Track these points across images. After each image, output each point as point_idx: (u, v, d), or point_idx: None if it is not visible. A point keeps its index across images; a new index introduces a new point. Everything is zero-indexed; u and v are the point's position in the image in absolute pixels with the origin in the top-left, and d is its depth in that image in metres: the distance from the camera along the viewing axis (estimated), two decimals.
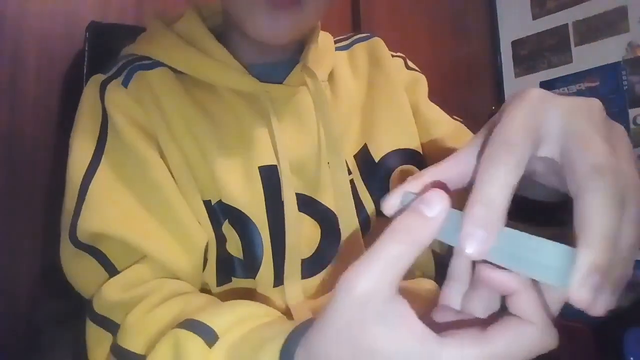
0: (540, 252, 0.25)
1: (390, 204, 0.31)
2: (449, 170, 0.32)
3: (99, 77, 0.58)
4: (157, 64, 0.58)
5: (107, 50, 0.85)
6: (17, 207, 0.96)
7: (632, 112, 1.46)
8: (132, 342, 0.45)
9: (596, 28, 1.53)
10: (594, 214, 0.25)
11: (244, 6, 0.54)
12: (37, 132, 0.98)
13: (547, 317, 0.27)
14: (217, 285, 0.56)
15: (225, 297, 0.51)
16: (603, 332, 1.04)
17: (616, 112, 1.48)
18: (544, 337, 0.27)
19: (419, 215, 0.28)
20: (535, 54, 1.66)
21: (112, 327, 0.49)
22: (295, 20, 0.54)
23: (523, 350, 0.27)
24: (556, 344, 0.27)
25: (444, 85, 1.50)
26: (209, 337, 0.40)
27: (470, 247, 0.26)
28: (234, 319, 0.41)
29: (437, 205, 0.28)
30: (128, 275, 0.50)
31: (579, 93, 1.56)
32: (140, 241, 0.50)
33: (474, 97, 1.66)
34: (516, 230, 0.26)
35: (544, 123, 0.28)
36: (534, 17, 1.66)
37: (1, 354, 0.87)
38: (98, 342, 0.50)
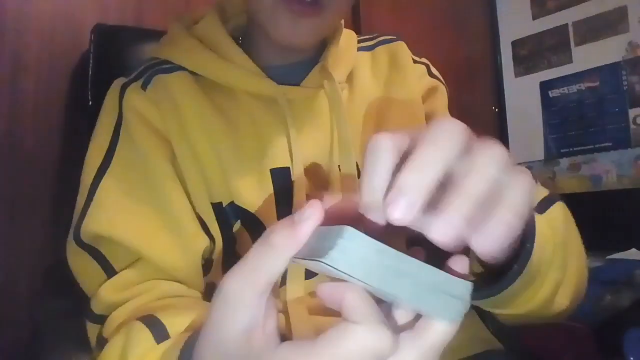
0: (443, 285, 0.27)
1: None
2: None
3: (121, 80, 0.60)
4: (176, 67, 0.59)
5: (111, 52, 0.86)
6: (17, 207, 0.96)
7: (632, 112, 1.46)
8: (109, 333, 0.48)
9: (596, 28, 1.52)
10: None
11: (267, 12, 0.56)
12: (37, 132, 0.98)
13: (374, 316, 0.27)
14: None
15: None
16: (603, 332, 1.04)
17: (616, 112, 1.49)
18: (373, 336, 0.27)
19: (289, 224, 0.29)
20: (535, 54, 1.66)
21: None
22: (316, 25, 0.57)
23: (351, 351, 0.27)
24: (392, 344, 0.27)
25: None
26: (160, 334, 0.43)
27: (397, 208, 0.26)
28: (189, 322, 0.44)
29: (309, 215, 0.29)
30: (123, 276, 0.52)
31: (579, 93, 1.56)
32: (138, 243, 0.51)
33: (474, 97, 1.66)
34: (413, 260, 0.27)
35: None
36: (534, 17, 1.66)
37: (1, 354, 0.87)
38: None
